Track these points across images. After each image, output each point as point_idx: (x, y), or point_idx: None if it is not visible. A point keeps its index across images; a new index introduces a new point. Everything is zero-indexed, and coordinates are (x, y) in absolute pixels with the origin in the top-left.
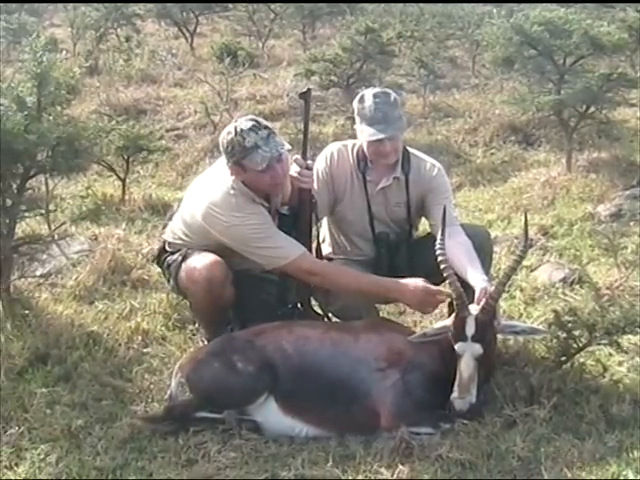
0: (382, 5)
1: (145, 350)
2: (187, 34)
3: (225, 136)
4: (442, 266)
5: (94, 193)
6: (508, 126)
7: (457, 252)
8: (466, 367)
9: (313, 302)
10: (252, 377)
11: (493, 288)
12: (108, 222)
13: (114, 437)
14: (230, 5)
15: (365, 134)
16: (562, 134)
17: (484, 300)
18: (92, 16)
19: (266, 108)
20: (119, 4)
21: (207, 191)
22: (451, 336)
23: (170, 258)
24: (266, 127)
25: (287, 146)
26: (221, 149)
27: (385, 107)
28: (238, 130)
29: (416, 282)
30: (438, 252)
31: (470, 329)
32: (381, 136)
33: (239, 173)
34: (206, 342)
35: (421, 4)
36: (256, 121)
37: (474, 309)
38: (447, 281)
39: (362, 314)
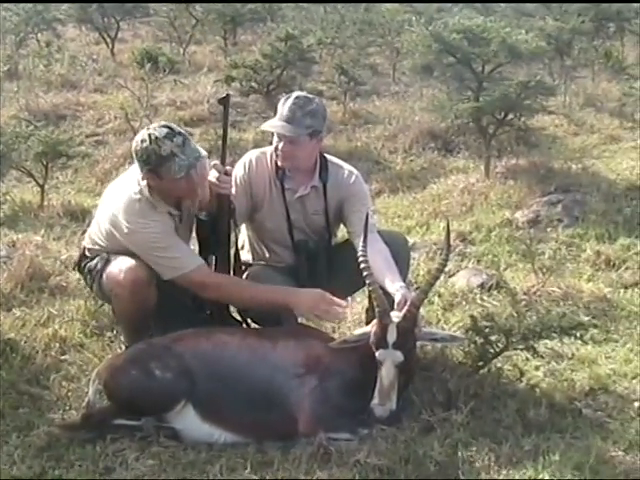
0: (303, 12)
1: (63, 357)
2: (108, 39)
3: (139, 144)
4: (365, 273)
5: (12, 199)
6: (427, 133)
7: (375, 259)
8: (387, 374)
9: (232, 308)
10: (170, 384)
11: (415, 295)
12: (26, 228)
13: (31, 445)
14: (151, 11)
15: (267, 125)
16: (481, 141)
17: (406, 307)
18: (12, 20)
19: (186, 114)
20: (40, 8)
21: (115, 197)
22: (372, 343)
23: (90, 264)
24: (180, 133)
25: (203, 152)
26: (134, 157)
27: (298, 109)
28: (153, 138)
29: (314, 291)
30: (360, 259)
31: (392, 336)
32: (274, 129)
33: (154, 180)
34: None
35: (342, 11)
36: (170, 128)
37: (395, 316)
38: (369, 288)
39: (281, 321)
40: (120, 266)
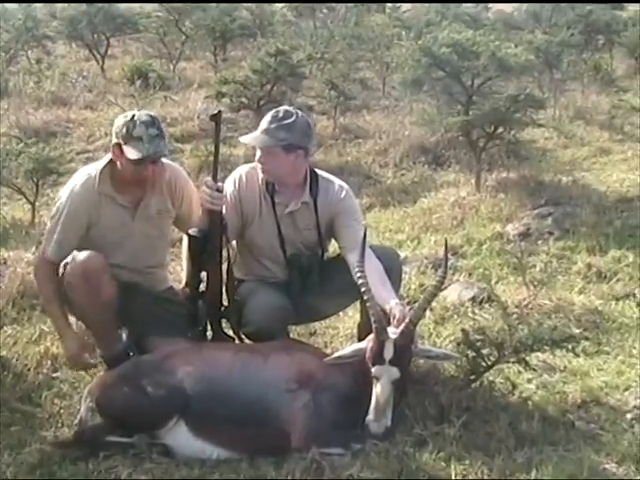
0: (293, 27)
1: (55, 375)
2: (98, 56)
3: (121, 118)
4: (362, 289)
5: (3, 216)
6: (418, 147)
7: (369, 275)
8: (383, 391)
9: (224, 324)
10: (162, 400)
11: (413, 312)
12: (17, 245)
13: (23, 463)
14: (141, 27)
15: (244, 136)
16: (471, 155)
17: (404, 324)
18: (2, 38)
19: (177, 130)
20: (30, 25)
21: None
22: (368, 359)
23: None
24: (159, 128)
25: (165, 152)
26: (113, 127)
27: (274, 122)
28: (133, 118)
29: (80, 337)
30: (358, 275)
31: (388, 353)
32: (246, 140)
33: (116, 154)
34: (99, 351)
35: (331, 26)
36: (153, 119)
37: (392, 333)
38: (367, 304)
39: (275, 337)
40: (74, 257)
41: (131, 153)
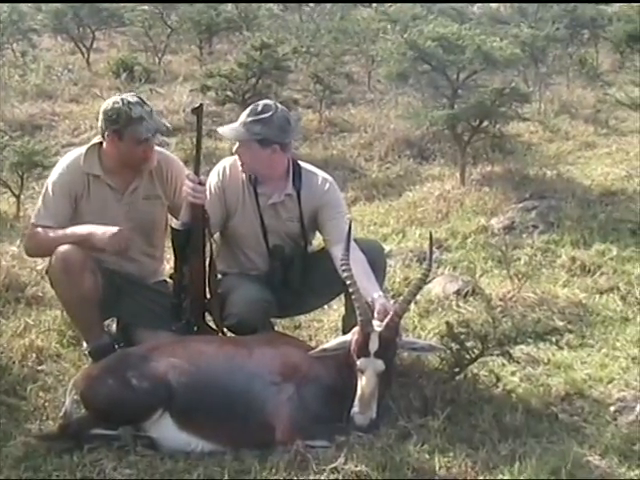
0: (278, 21)
1: (39, 367)
2: (83, 49)
3: (110, 104)
4: (348, 282)
5: None
6: (403, 141)
7: (353, 268)
8: (368, 383)
9: (208, 317)
10: (147, 393)
11: (398, 305)
12: (2, 239)
13: (8, 456)
14: (127, 20)
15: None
16: (456, 148)
17: (389, 317)
18: None
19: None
20: (15, 18)
21: None
22: (353, 351)
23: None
24: (149, 106)
25: (168, 125)
26: (101, 117)
27: (251, 115)
28: (125, 102)
29: (113, 228)
30: (343, 268)
31: (374, 345)
32: (221, 131)
33: (114, 142)
34: (85, 344)
35: (317, 20)
36: (141, 98)
37: (377, 325)
38: (353, 297)
39: (256, 329)
40: (57, 251)
41: (138, 133)
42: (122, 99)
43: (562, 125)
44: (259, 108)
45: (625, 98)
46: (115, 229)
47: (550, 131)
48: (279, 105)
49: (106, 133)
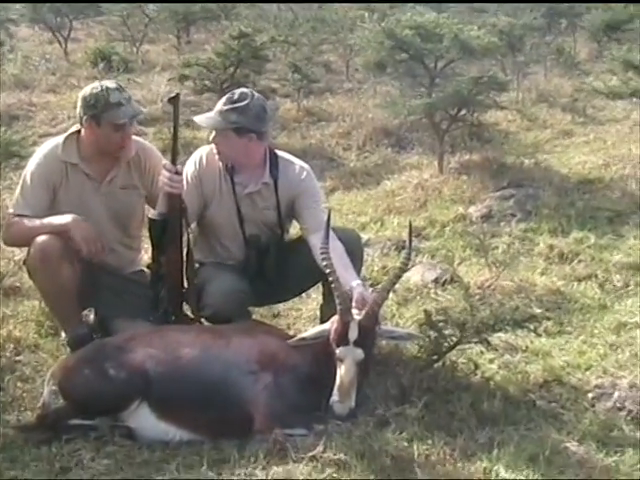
0: (257, 10)
1: (17, 358)
2: (61, 39)
3: (89, 90)
4: (327, 270)
5: None
6: (381, 130)
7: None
8: (347, 372)
9: (185, 307)
10: (124, 383)
11: (377, 294)
12: None
13: None
14: (104, 10)
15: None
16: (434, 137)
17: (368, 305)
18: None
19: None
20: None
21: None
22: (332, 340)
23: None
24: (127, 92)
25: (144, 113)
26: (80, 103)
27: (227, 103)
28: (104, 87)
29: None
30: (323, 257)
31: (353, 334)
32: (197, 120)
33: (92, 128)
34: (63, 334)
35: (295, 9)
36: (119, 85)
37: (357, 314)
38: (332, 285)
39: (233, 319)
40: (35, 241)
41: (115, 118)
42: (101, 85)
43: (540, 114)
44: (235, 96)
45: (602, 87)
46: (92, 234)
47: (528, 120)
48: (255, 93)
49: (84, 119)
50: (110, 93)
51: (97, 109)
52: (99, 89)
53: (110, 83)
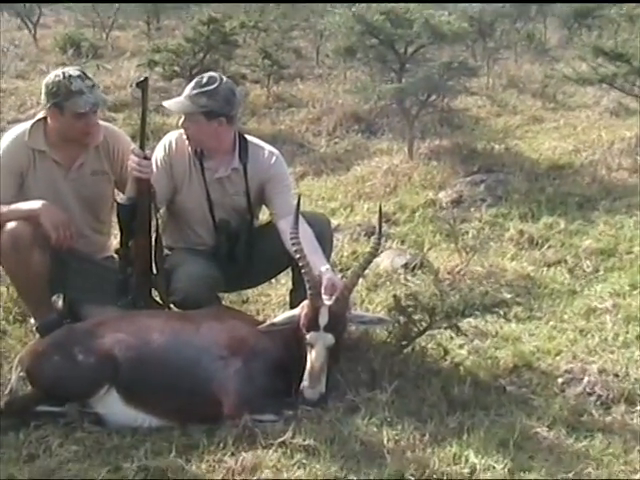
0: None
1: None
2: (30, 25)
3: (52, 78)
4: (297, 256)
5: None
6: (351, 115)
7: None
8: (317, 357)
9: (154, 293)
10: (93, 369)
11: (347, 279)
12: None
13: None
14: None
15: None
16: (404, 122)
17: (339, 290)
18: None
19: (109, 99)
20: None
21: None
22: (302, 325)
23: None
24: (91, 80)
25: (107, 101)
26: (43, 90)
27: (196, 87)
28: (66, 75)
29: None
30: (293, 242)
31: (323, 319)
32: (166, 104)
33: (55, 116)
34: (33, 321)
35: None
36: (82, 72)
37: (327, 299)
38: (302, 271)
39: (202, 305)
40: (5, 227)
41: (77, 106)
42: (63, 72)
43: (510, 99)
44: (204, 80)
45: (572, 73)
46: (63, 219)
47: (498, 105)
48: (224, 77)
49: (48, 106)
50: (72, 81)
51: (59, 97)
52: (61, 77)
53: (73, 70)
